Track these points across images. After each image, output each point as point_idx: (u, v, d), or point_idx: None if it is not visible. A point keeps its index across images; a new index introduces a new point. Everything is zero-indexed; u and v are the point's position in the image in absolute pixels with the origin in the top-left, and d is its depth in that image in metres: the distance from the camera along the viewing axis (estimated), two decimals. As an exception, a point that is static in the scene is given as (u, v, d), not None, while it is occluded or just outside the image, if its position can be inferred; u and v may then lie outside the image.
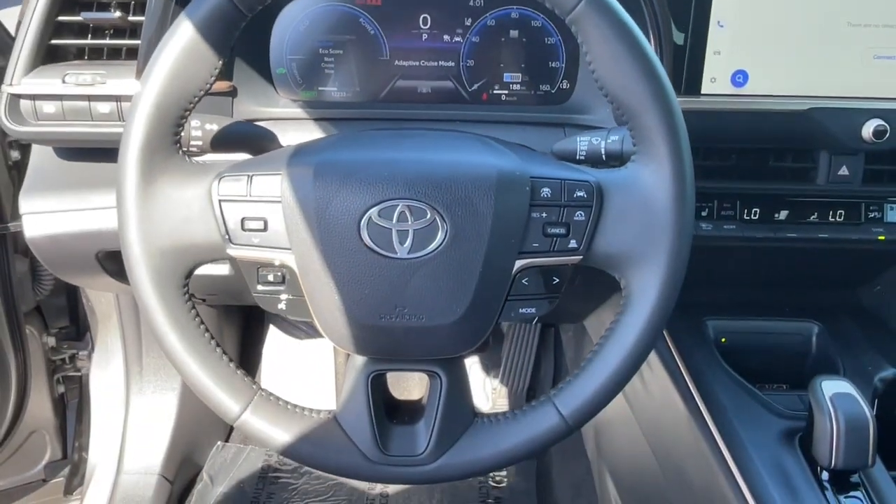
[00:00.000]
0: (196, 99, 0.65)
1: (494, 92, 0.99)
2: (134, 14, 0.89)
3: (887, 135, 0.87)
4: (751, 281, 1.04)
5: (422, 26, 0.97)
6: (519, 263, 0.67)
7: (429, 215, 0.64)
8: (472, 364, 1.74)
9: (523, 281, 0.68)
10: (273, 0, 0.66)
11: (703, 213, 0.95)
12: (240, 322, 1.76)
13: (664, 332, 1.00)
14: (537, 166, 0.68)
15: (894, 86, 0.87)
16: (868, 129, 0.87)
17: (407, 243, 0.64)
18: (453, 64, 0.98)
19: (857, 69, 0.87)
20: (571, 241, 0.67)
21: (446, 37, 0.98)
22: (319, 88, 0.99)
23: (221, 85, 0.91)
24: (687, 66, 0.86)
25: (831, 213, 0.96)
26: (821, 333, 0.99)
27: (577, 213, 0.67)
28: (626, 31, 0.63)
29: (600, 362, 0.68)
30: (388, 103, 0.99)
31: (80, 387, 1.54)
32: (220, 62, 0.65)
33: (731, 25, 0.85)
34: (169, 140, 0.65)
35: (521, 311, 0.69)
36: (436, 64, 0.99)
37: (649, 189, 0.66)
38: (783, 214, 0.96)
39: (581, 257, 0.68)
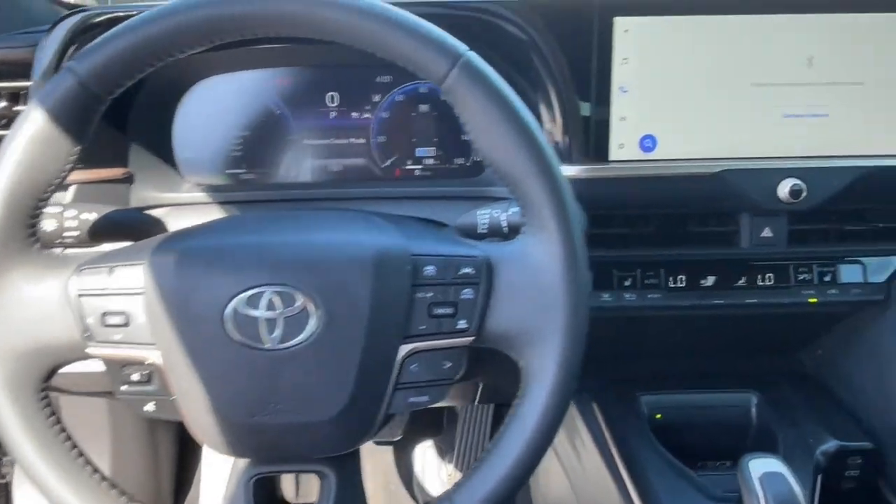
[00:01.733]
0: (51, 189, 0.61)
1: (407, 167, 0.96)
2: (22, 104, 0.86)
3: (804, 194, 0.84)
4: (686, 351, 1.00)
5: (329, 104, 0.95)
6: (405, 348, 0.62)
7: (299, 301, 0.59)
8: (427, 449, 1.66)
9: (412, 367, 0.63)
10: (133, 82, 0.63)
11: (627, 283, 0.91)
12: (177, 429, 1.67)
13: (596, 410, 0.94)
14: (421, 243, 0.64)
15: (807, 144, 0.85)
16: (784, 189, 0.84)
17: (276, 333, 0.59)
18: (364, 141, 0.96)
19: (768, 128, 0.85)
20: (460, 322, 0.63)
21: (355, 114, 0.95)
22: (227, 171, 0.96)
23: (115, 172, 0.87)
24: (594, 133, 0.84)
25: (759, 276, 0.92)
26: (760, 404, 0.94)
27: (465, 290, 0.63)
28: (502, 99, 0.61)
29: (499, 454, 0.62)
30: (299, 184, 0.96)
31: (4, 496, 1.44)
32: (77, 149, 0.61)
33: (634, 91, 0.83)
34: (23, 233, 0.61)
35: (411, 399, 0.64)
36: (346, 141, 0.96)
37: (538, 262, 0.62)
38: (710, 280, 0.92)
39: (473, 338, 0.63)
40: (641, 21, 0.82)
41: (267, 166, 0.96)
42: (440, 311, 0.62)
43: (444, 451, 1.67)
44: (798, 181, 0.84)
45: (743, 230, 0.90)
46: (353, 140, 0.96)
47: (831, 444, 0.86)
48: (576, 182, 0.84)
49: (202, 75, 0.94)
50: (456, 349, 0.64)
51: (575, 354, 0.62)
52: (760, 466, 0.70)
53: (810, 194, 0.84)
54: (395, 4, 0.90)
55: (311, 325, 0.59)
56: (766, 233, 0.89)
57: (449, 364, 0.64)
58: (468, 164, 0.96)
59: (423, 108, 0.95)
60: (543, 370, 0.62)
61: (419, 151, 0.96)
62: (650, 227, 0.90)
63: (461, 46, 0.61)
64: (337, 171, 0.96)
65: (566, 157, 0.84)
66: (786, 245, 0.90)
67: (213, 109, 0.95)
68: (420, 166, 0.96)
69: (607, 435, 0.90)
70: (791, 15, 0.82)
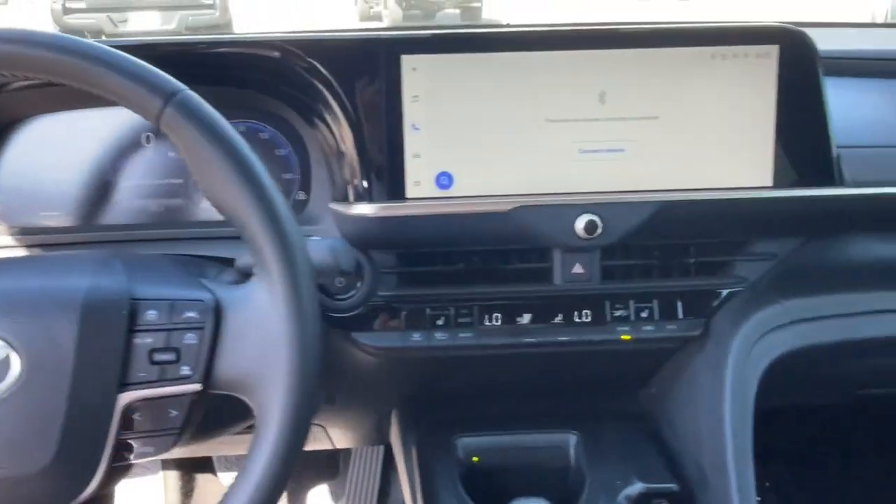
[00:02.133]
0: None
1: (226, 208, 0.95)
2: None
3: (599, 229, 0.83)
4: (516, 392, 0.98)
5: (145, 144, 0.94)
6: (125, 397, 0.60)
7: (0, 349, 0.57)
8: (320, 490, 1.62)
9: (135, 416, 0.61)
10: None
11: (439, 322, 0.89)
12: None
13: (412, 454, 0.92)
14: (146, 286, 0.63)
15: (604, 179, 0.84)
16: (580, 225, 0.83)
17: None
18: (182, 181, 0.94)
19: (565, 164, 0.84)
20: (183, 368, 0.61)
21: (171, 153, 0.94)
22: (42, 213, 0.94)
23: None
24: (388, 171, 0.83)
25: (577, 314, 0.90)
26: (578, 445, 0.91)
27: (188, 335, 0.61)
28: (220, 138, 0.60)
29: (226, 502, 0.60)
30: (118, 226, 0.94)
31: None
32: None
33: (426, 128, 0.82)
34: None
35: (138, 450, 0.62)
36: (164, 182, 0.95)
37: (264, 304, 0.61)
38: (526, 318, 0.90)
39: (199, 385, 0.61)
40: (429, 59, 0.81)
41: (84, 209, 0.94)
42: (162, 357, 0.61)
43: (336, 496, 1.63)
44: (593, 216, 0.83)
45: (555, 266, 0.88)
46: (170, 180, 0.95)
47: (637, 487, 0.84)
48: (373, 221, 0.84)
49: (22, 116, 0.93)
50: (182, 397, 0.62)
51: (303, 400, 0.60)
52: (526, 511, 0.68)
53: (607, 230, 0.83)
54: (202, 43, 0.90)
55: (12, 374, 0.57)
56: (578, 269, 0.88)
57: (175, 413, 0.62)
58: (289, 203, 0.95)
59: None
60: (272, 415, 0.60)
61: None
62: (461, 265, 0.88)
63: (176, 85, 0.60)
64: (156, 212, 0.95)
65: (363, 196, 0.83)
66: (599, 281, 0.88)
67: (30, 151, 0.93)
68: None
69: (417, 482, 0.87)
70: (581, 51, 0.82)
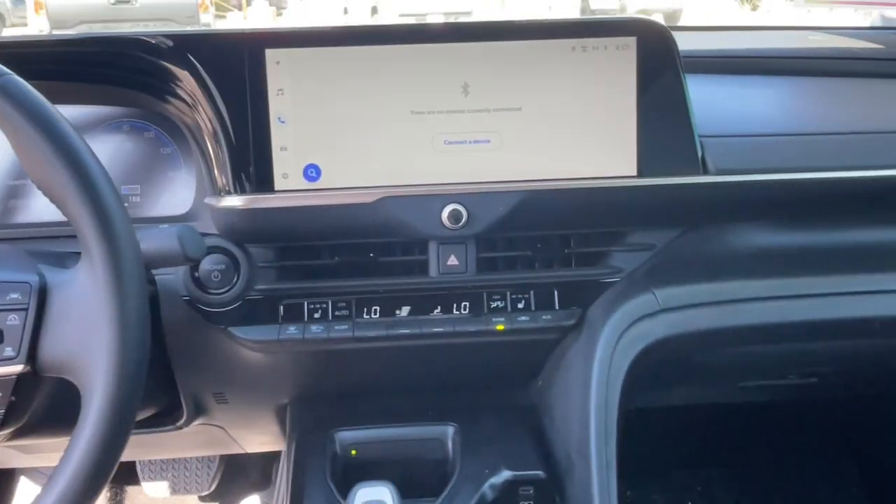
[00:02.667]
0: None
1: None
2: None
3: (464, 219, 0.84)
4: (400, 387, 0.98)
5: None
6: None
7: None
8: (251, 500, 1.61)
9: None
10: None
11: (316, 316, 0.89)
12: None
13: (291, 450, 0.92)
14: None
15: (469, 170, 0.85)
16: (445, 215, 0.84)
17: None
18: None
19: (430, 156, 0.85)
20: (7, 349, 0.61)
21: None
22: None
23: None
24: (255, 163, 0.84)
25: (455, 306, 0.91)
26: (456, 436, 0.91)
27: (11, 317, 0.61)
28: (41, 120, 0.61)
29: (49, 486, 0.60)
30: (20, 224, 0.95)
31: None
32: None
33: (293, 121, 0.84)
34: None
35: None
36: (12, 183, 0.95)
37: (87, 286, 0.61)
38: (405, 311, 0.91)
39: (24, 366, 0.62)
40: (293, 53, 0.83)
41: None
42: None
43: (267, 505, 1.62)
44: (458, 206, 0.84)
45: (431, 258, 0.89)
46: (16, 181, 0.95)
47: (503, 475, 0.84)
48: (242, 213, 0.84)
49: None
50: (7, 378, 0.62)
51: (126, 381, 0.61)
52: (367, 495, 0.68)
53: (473, 219, 0.84)
54: (76, 40, 0.91)
55: None
56: (453, 261, 0.89)
57: (14, 398, 0.63)
58: (175, 200, 0.96)
59: (125, 141, 0.95)
60: (92, 398, 0.60)
61: (124, 189, 0.96)
62: (337, 258, 0.89)
63: None
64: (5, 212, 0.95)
65: (232, 190, 0.84)
66: (475, 273, 0.89)
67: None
68: (125, 204, 0.96)
69: (287, 477, 0.87)
70: (444, 44, 0.84)
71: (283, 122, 0.84)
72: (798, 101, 1.04)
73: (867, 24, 2.21)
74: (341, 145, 0.84)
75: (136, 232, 0.74)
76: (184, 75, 0.84)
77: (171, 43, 0.83)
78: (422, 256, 0.90)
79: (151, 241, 0.73)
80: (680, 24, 15.94)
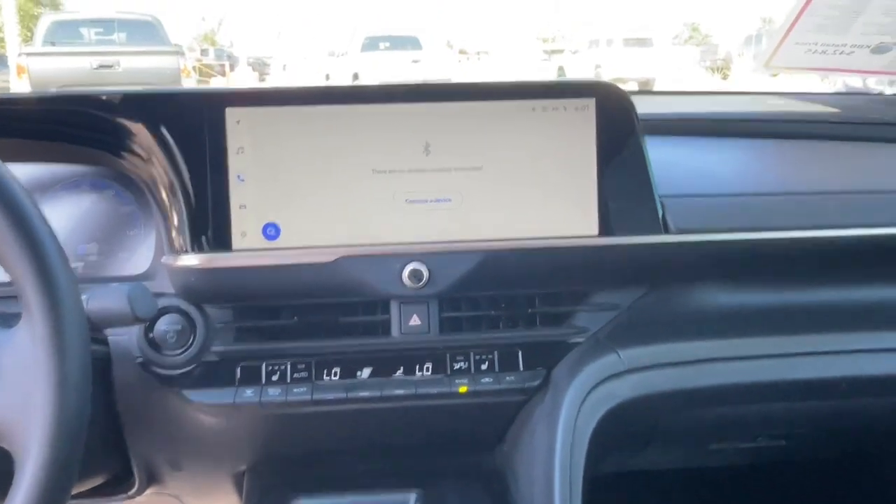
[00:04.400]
0: None
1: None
2: None
3: (426, 278, 0.83)
4: (362, 451, 0.95)
5: None
6: None
7: None
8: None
9: None
10: None
11: (274, 378, 0.87)
12: None
13: None
14: None
15: (431, 229, 0.85)
16: (406, 274, 0.83)
17: None
18: None
19: (391, 215, 0.84)
20: None
21: None
22: None
23: None
24: (213, 221, 0.83)
25: (418, 367, 0.89)
26: (418, 502, 0.88)
27: None
28: None
29: None
30: None
31: None
32: None
33: (252, 179, 0.83)
34: None
35: None
36: None
37: (26, 347, 0.59)
38: (366, 372, 0.88)
39: None
40: (253, 111, 0.83)
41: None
42: None
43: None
44: (419, 265, 0.83)
45: (393, 318, 0.88)
46: None
47: None
48: (199, 273, 0.83)
49: None
50: None
51: (63, 445, 0.58)
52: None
53: (434, 279, 0.83)
54: (32, 98, 0.91)
55: None
56: (415, 320, 0.87)
57: None
58: (134, 259, 0.94)
59: (84, 200, 0.94)
60: (26, 465, 0.57)
61: (81, 249, 0.94)
62: (297, 319, 0.88)
63: None
64: None
65: (189, 248, 0.83)
66: (438, 333, 0.88)
67: None
68: (82, 263, 0.94)
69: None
70: (405, 104, 0.84)
71: (242, 180, 0.83)
72: (758, 163, 1.05)
73: (830, 90, 2.28)
74: (301, 204, 0.84)
75: (86, 291, 0.72)
76: (141, 133, 0.83)
77: (128, 101, 0.83)
78: (384, 316, 0.88)
79: (100, 301, 0.71)
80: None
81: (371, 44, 12.47)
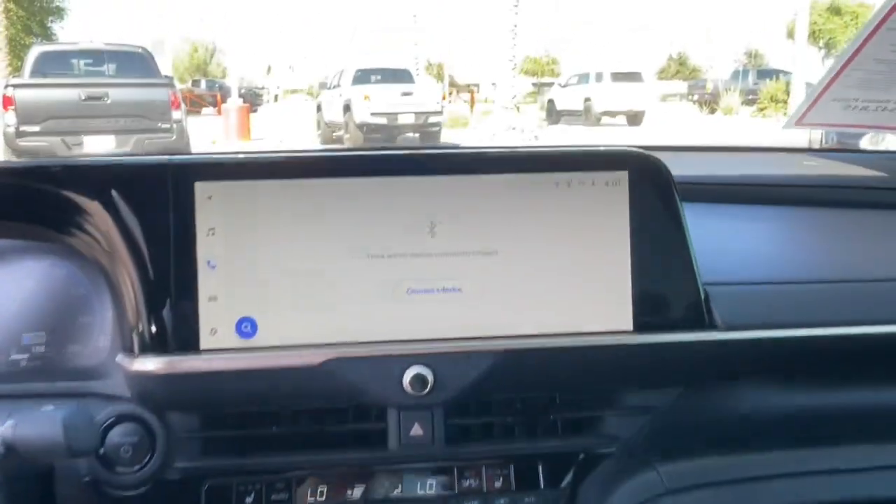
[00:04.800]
0: None
1: (12, 358, 0.80)
2: None
3: (430, 384, 0.70)
4: None
5: None
6: None
7: None
8: None
9: None
10: None
11: (248, 500, 0.73)
12: None
13: None
14: None
15: (437, 324, 0.72)
16: (407, 380, 0.70)
17: None
18: None
19: (389, 308, 0.71)
20: None
21: None
22: None
23: None
24: (177, 316, 0.70)
25: (419, 485, 0.75)
26: None
27: None
28: None
29: None
30: None
31: None
32: None
33: (225, 266, 0.70)
34: None
35: None
36: None
37: None
38: (357, 492, 0.75)
39: None
40: (227, 186, 0.70)
41: None
42: None
43: None
44: (423, 369, 0.70)
45: (391, 427, 0.74)
46: None
47: None
48: (160, 378, 0.69)
49: None
50: None
51: None
52: None
53: (441, 384, 0.70)
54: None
55: None
56: (417, 430, 0.74)
57: None
58: (86, 350, 0.80)
59: (30, 279, 0.81)
60: None
61: (25, 338, 0.80)
62: (276, 428, 0.74)
63: None
64: None
65: (149, 347, 0.69)
66: (444, 444, 0.74)
67: None
68: (27, 356, 0.80)
69: None
70: (407, 177, 0.72)
71: (213, 266, 0.70)
72: (809, 239, 0.93)
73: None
74: (283, 295, 0.71)
75: (14, 411, 0.59)
76: (94, 209, 0.70)
77: (78, 173, 0.70)
78: (379, 424, 0.75)
79: (28, 427, 0.58)
80: (643, 124, 16.51)
81: (363, 76, 12.43)
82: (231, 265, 0.70)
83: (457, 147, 0.75)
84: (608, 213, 0.73)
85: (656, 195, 0.73)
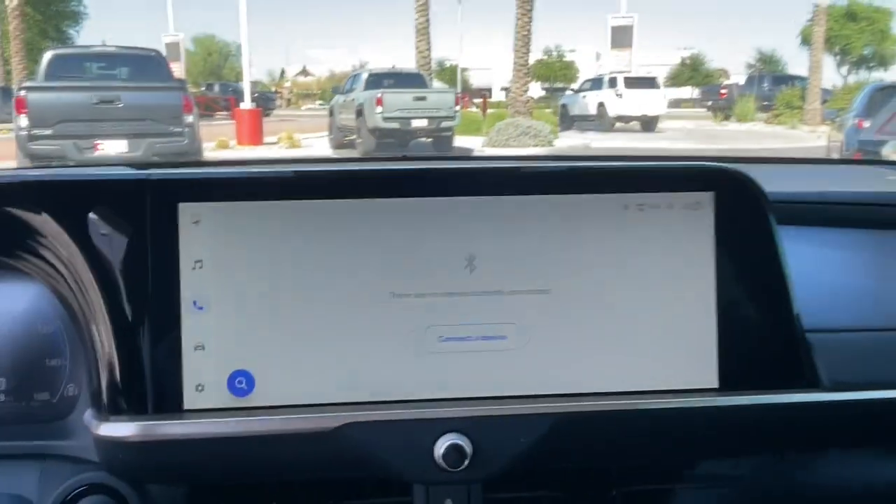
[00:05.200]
0: None
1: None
2: None
3: (469, 458, 0.56)
4: None
5: None
6: None
7: None
8: None
9: None
10: None
11: None
12: None
13: None
14: None
15: (473, 382, 0.58)
16: (440, 452, 0.56)
17: None
18: None
19: (417, 360, 0.58)
20: None
21: None
22: None
23: None
24: (154, 369, 0.56)
25: (450, 572, 0.61)
26: None
27: None
28: None
29: None
30: None
31: None
32: None
33: (215, 308, 0.57)
34: None
35: None
36: None
37: None
38: (375, 582, 0.61)
39: None
40: (218, 208, 0.57)
41: None
42: None
43: None
44: (460, 439, 0.56)
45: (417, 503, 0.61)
46: None
47: None
48: (133, 446, 0.56)
49: None
50: None
51: None
52: None
53: (480, 457, 0.56)
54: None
55: None
56: None
57: None
58: (54, 400, 0.67)
59: None
60: None
61: None
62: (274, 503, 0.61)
63: None
64: None
65: (121, 407, 0.56)
66: None
67: None
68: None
69: None
70: (442, 198, 0.58)
71: (200, 308, 0.57)
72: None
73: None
74: (285, 344, 0.57)
75: None
76: (56, 234, 0.57)
77: (38, 190, 0.57)
78: (403, 499, 0.61)
79: None
80: (657, 129, 16.30)
81: (375, 81, 12.32)
82: (222, 306, 0.57)
83: (498, 159, 0.61)
84: (689, 243, 0.59)
85: (749, 222, 0.59)
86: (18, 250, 0.61)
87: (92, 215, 0.57)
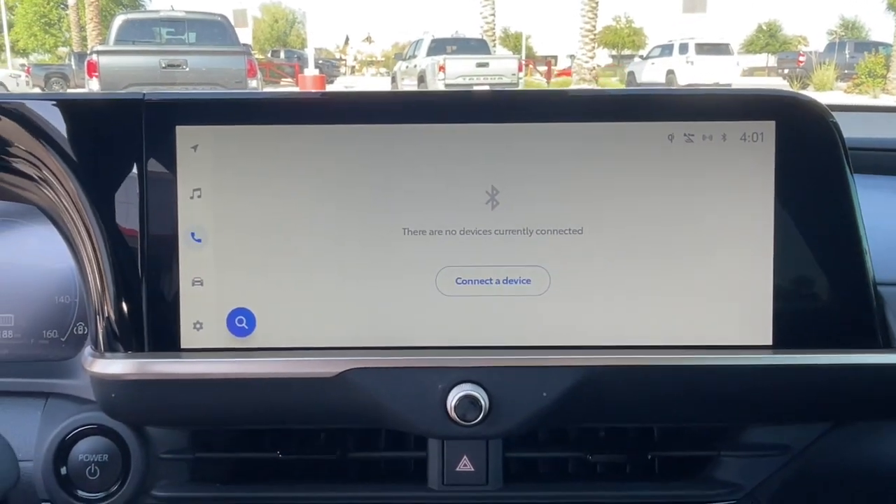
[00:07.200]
0: None
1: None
2: None
3: (484, 409, 0.51)
4: None
5: None
6: None
7: None
8: None
9: None
10: None
11: None
12: None
13: None
14: None
15: (492, 329, 0.52)
16: (452, 403, 0.51)
17: None
18: None
19: (430, 303, 0.52)
20: None
21: None
22: None
23: None
24: (152, 306, 0.52)
25: (466, 534, 0.57)
26: None
27: None
28: None
29: None
30: None
31: None
32: None
33: (214, 240, 0.52)
34: None
35: None
36: None
37: None
38: (387, 538, 0.57)
39: None
40: (220, 132, 0.52)
41: None
42: None
43: None
44: (475, 390, 0.51)
45: (431, 460, 0.56)
46: None
47: None
48: (128, 385, 0.53)
49: None
50: None
51: None
52: None
53: (498, 411, 0.51)
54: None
55: None
56: (465, 464, 0.56)
57: None
58: (63, 338, 0.65)
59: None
60: None
61: None
62: (281, 452, 0.57)
63: None
64: None
65: (114, 345, 0.53)
66: (501, 484, 0.56)
67: None
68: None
69: None
70: (460, 124, 0.52)
71: (198, 240, 0.53)
72: None
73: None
74: (289, 281, 0.53)
75: None
76: (48, 157, 0.54)
77: (33, 108, 0.54)
78: (417, 453, 0.57)
79: None
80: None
81: (438, 47, 12.24)
82: (221, 239, 0.52)
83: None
84: (744, 180, 0.51)
85: (816, 158, 0.51)
86: (19, 176, 0.58)
87: (84, 136, 0.53)
